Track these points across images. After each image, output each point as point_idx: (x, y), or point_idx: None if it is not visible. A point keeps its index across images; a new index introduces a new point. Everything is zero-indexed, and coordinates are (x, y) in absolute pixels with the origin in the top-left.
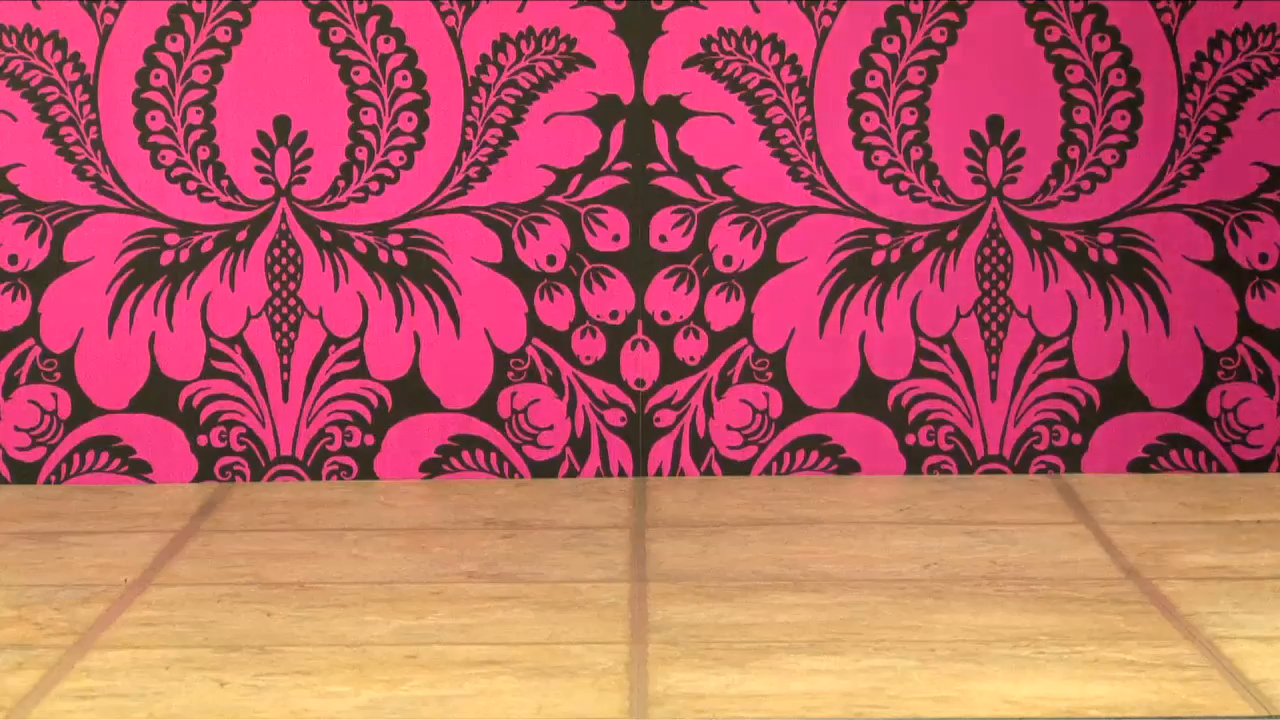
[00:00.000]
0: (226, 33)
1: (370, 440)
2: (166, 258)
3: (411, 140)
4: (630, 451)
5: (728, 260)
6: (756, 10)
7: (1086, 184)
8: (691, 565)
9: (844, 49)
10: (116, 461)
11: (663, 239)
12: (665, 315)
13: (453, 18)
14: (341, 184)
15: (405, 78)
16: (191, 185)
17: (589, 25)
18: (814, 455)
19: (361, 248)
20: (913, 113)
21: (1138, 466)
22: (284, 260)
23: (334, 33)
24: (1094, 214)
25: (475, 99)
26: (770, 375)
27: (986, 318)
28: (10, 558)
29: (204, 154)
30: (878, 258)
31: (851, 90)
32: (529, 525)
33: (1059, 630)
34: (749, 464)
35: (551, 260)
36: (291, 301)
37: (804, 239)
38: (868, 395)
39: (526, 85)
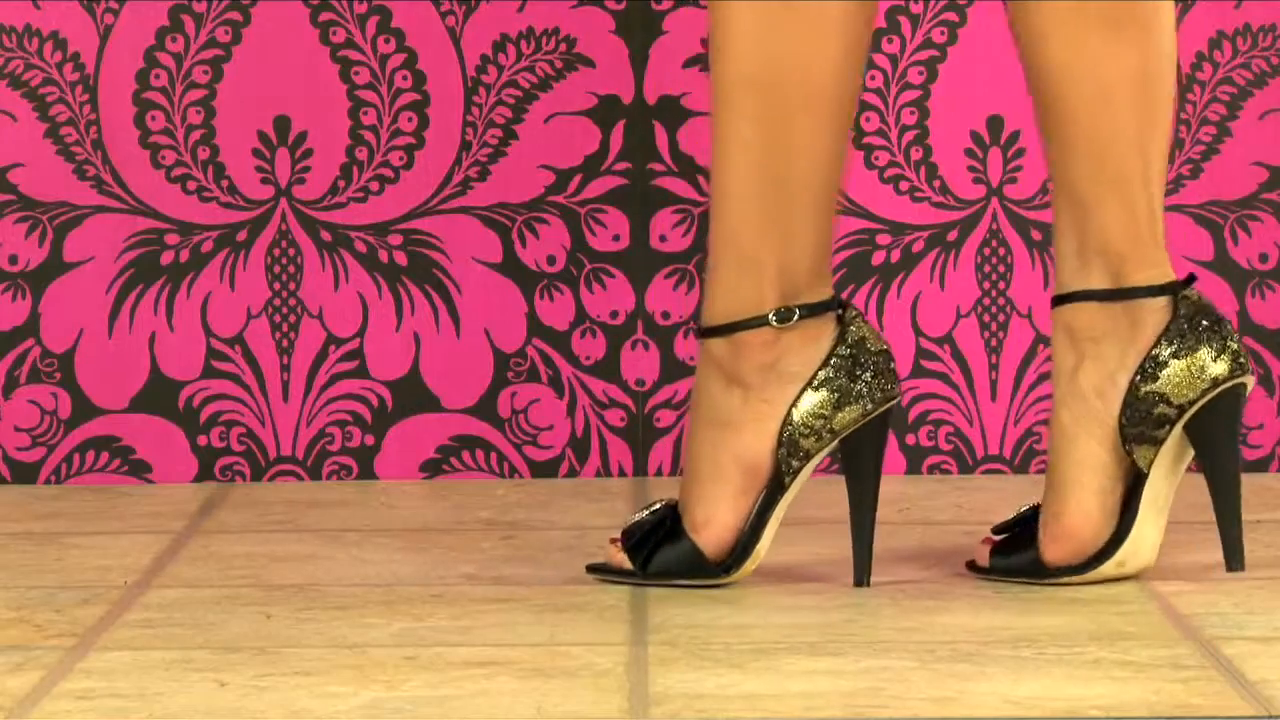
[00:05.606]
0: (226, 33)
1: (370, 440)
2: (166, 258)
3: (412, 140)
4: (630, 451)
5: None
6: None
7: None
8: None
9: None
10: (116, 461)
11: (663, 239)
12: (665, 315)
13: (453, 18)
14: (341, 184)
15: (405, 78)
16: (191, 185)
17: (589, 25)
18: None
19: (361, 248)
20: (913, 113)
21: None
22: (284, 260)
23: (334, 33)
24: None
25: (475, 99)
26: None
27: (986, 318)
28: (10, 558)
29: (204, 154)
30: (878, 258)
31: None
32: (529, 526)
33: (1059, 630)
34: None
35: (551, 260)
36: (291, 301)
37: None
38: None
39: (526, 85)
